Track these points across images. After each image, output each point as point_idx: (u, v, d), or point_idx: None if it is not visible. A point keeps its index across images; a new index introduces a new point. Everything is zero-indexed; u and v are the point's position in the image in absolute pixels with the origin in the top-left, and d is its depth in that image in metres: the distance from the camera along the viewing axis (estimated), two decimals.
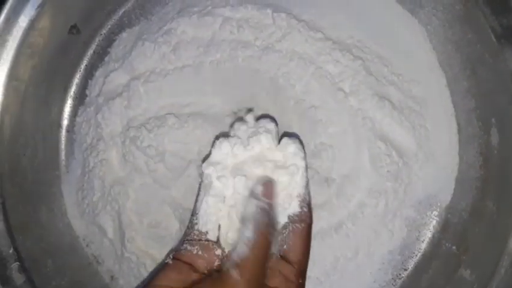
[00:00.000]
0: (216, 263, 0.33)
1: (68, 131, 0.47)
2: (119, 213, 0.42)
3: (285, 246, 0.33)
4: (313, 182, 0.40)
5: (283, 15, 0.42)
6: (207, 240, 0.34)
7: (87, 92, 0.47)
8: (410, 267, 0.43)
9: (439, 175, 0.43)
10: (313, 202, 0.40)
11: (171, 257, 0.34)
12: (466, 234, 0.41)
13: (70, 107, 0.48)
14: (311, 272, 0.41)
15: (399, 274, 0.43)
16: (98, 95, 0.45)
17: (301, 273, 0.33)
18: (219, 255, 0.33)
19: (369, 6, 0.44)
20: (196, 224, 0.34)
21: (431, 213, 0.44)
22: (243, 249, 0.31)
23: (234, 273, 0.30)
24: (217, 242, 0.34)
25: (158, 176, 0.42)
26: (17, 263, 0.41)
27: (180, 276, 0.32)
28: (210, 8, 0.44)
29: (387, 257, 0.42)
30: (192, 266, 0.33)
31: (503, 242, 0.37)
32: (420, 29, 0.44)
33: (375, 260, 0.42)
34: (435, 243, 0.43)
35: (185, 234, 0.35)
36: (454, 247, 0.42)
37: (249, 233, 0.31)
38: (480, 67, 0.41)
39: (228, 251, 0.33)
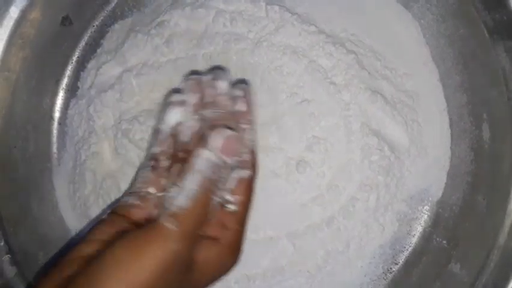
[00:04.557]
0: (156, 213, 0.31)
1: (60, 123, 0.47)
2: (110, 207, 0.42)
3: (227, 196, 0.32)
4: (306, 175, 0.40)
5: (276, 8, 0.42)
6: (148, 192, 0.33)
7: (79, 84, 0.47)
8: (400, 261, 0.44)
9: (431, 170, 0.43)
10: (305, 196, 0.40)
11: (107, 212, 0.33)
12: (457, 228, 0.42)
13: (62, 99, 0.47)
14: (303, 265, 0.41)
15: (390, 268, 0.44)
16: (90, 87, 0.45)
17: (241, 221, 0.33)
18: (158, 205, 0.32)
19: (363, 0, 0.44)
20: (138, 178, 0.33)
21: (423, 207, 0.44)
22: (183, 200, 0.29)
23: (169, 223, 0.28)
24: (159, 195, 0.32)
25: None
26: (8, 255, 0.40)
27: (112, 229, 0.30)
28: (203, 0, 0.43)
29: (378, 251, 0.43)
30: (126, 217, 0.32)
31: (493, 236, 0.37)
32: (413, 23, 0.44)
33: (366, 254, 0.42)
34: (426, 237, 0.43)
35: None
36: (444, 241, 0.42)
37: (193, 185, 0.29)
38: (472, 62, 0.41)
39: (166, 197, 0.30)
